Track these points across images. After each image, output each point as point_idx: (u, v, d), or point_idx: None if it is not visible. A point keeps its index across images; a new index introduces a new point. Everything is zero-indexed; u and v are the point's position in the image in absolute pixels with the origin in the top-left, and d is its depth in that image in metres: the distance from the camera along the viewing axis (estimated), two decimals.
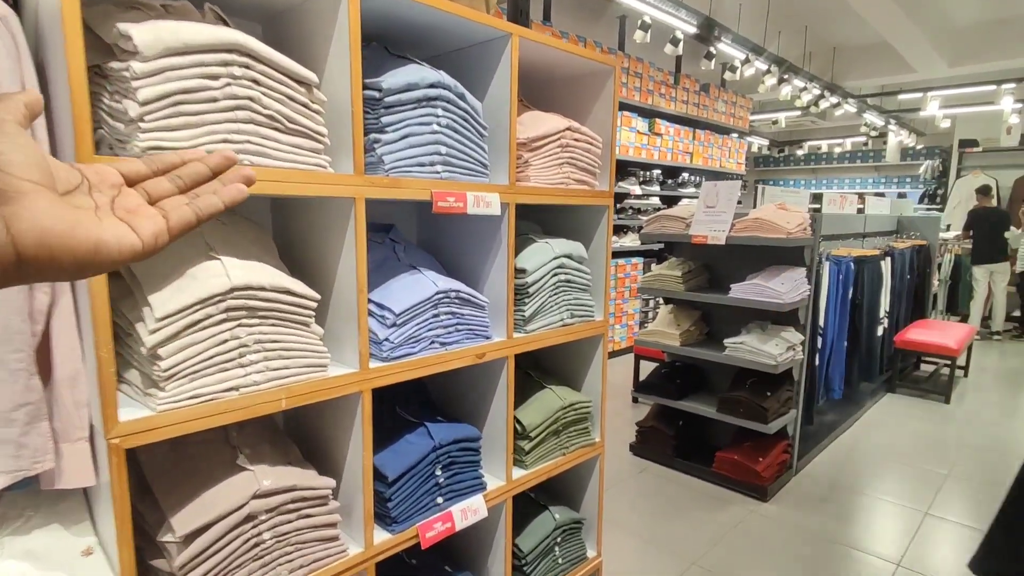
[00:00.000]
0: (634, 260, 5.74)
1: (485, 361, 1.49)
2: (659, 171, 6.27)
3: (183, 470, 1.13)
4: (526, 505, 1.87)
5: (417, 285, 1.36)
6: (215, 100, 0.97)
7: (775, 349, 2.86)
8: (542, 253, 1.66)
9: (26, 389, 0.91)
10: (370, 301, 1.33)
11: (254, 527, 1.08)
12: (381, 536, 1.33)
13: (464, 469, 1.49)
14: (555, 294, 1.69)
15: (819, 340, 3.22)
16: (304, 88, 1.08)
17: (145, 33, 0.89)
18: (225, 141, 0.99)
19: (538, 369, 1.93)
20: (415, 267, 1.43)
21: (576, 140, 1.68)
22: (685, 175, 6.73)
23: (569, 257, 1.73)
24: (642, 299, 5.87)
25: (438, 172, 1.34)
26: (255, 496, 1.08)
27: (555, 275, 1.67)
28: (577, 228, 1.90)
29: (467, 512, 1.48)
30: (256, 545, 1.08)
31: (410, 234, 1.79)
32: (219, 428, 1.18)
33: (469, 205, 1.38)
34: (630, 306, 5.77)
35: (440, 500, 1.43)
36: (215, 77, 0.96)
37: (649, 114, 5.85)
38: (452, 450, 1.45)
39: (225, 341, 1.03)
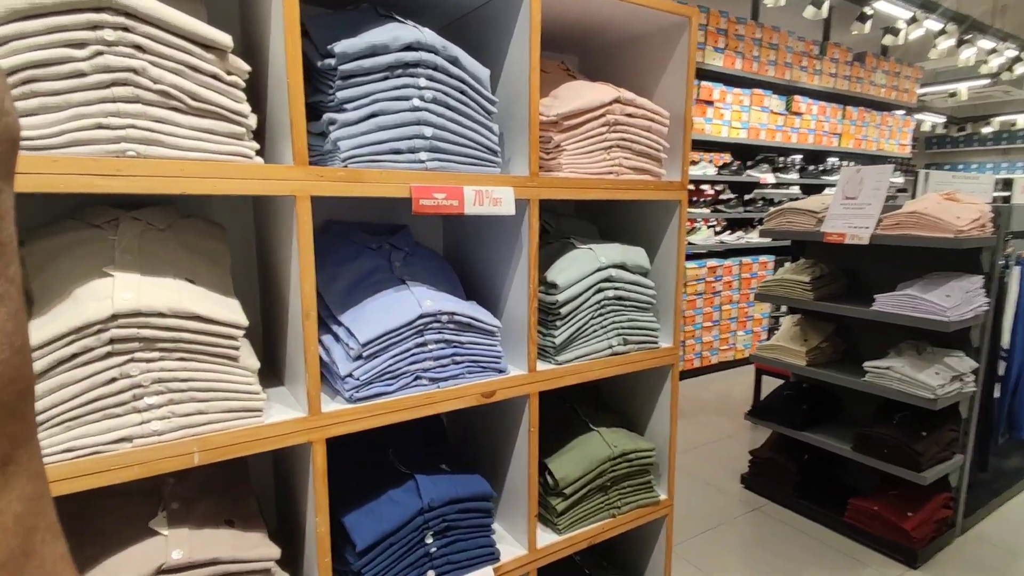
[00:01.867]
0: (762, 258, 4.99)
1: (495, 401, 1.16)
2: (799, 156, 5.40)
3: (97, 527, 0.95)
4: (568, 571, 1.51)
5: (397, 305, 1.07)
6: (82, 74, 0.75)
7: (934, 379, 2.18)
8: (582, 263, 1.29)
9: None
10: (340, 325, 1.07)
11: None
12: None
13: (467, 535, 1.18)
14: (600, 315, 1.31)
15: (1001, 366, 2.43)
16: (214, 55, 0.83)
17: None
18: (99, 127, 0.77)
19: (588, 403, 1.55)
20: (404, 282, 1.14)
21: (630, 116, 1.27)
22: (833, 160, 5.75)
23: (622, 267, 1.33)
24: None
25: (421, 161, 1.03)
26: (160, 571, 0.87)
27: (600, 290, 1.29)
28: (640, 229, 1.49)
29: None
30: None
31: (433, 239, 1.51)
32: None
33: (467, 203, 1.06)
34: (756, 310, 5.03)
35: (431, 575, 1.14)
36: (81, 45, 0.74)
37: (786, 91, 5.03)
38: (448, 512, 1.14)
39: (112, 380, 0.82)
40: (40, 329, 0.79)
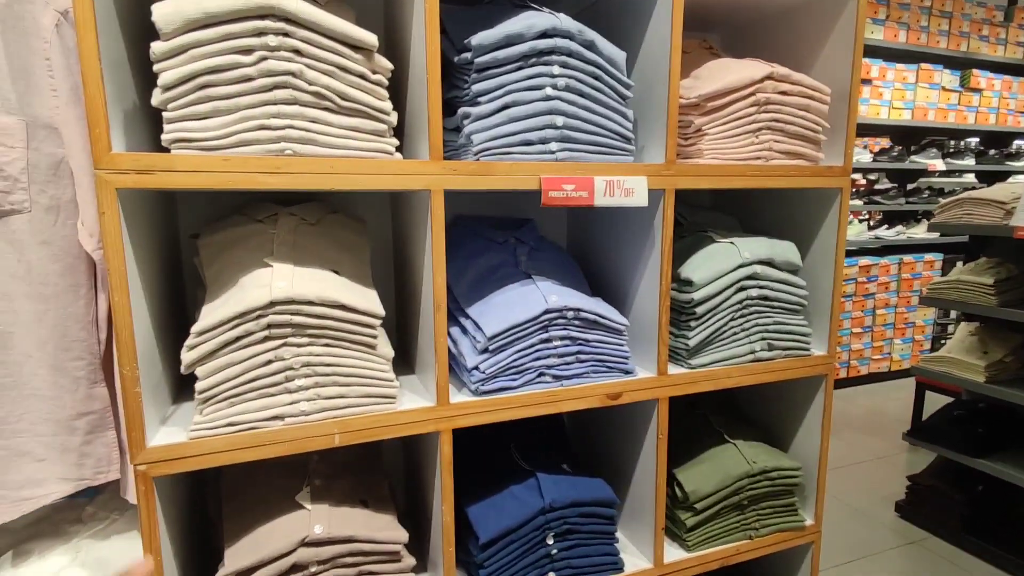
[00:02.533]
0: (928, 256, 4.36)
1: (621, 403, 1.11)
2: (975, 139, 4.64)
3: (253, 494, 1.04)
4: None
5: (524, 300, 1.05)
6: (249, 79, 0.81)
7: None
8: (722, 258, 1.18)
9: (88, 397, 0.90)
10: (468, 318, 1.07)
11: None
12: None
13: (589, 541, 1.14)
14: (742, 316, 1.19)
15: None
16: (362, 55, 0.86)
17: (165, 7, 0.77)
18: (262, 128, 0.83)
19: (723, 412, 1.44)
20: (529, 276, 1.12)
21: (783, 95, 1.14)
22: (1019, 143, 4.87)
23: (768, 264, 1.21)
24: (939, 309, 4.44)
25: (552, 152, 1.00)
26: (304, 543, 0.93)
27: (742, 289, 1.18)
28: (790, 221, 1.34)
29: None
30: None
31: (558, 232, 1.48)
32: None
33: (597, 194, 1.01)
34: (918, 315, 4.41)
35: None
36: (248, 51, 0.80)
37: (962, 64, 4.34)
38: (569, 515, 1.11)
39: (269, 362, 0.88)
40: (212, 313, 0.88)
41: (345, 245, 1.07)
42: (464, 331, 1.07)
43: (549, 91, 0.98)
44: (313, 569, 0.94)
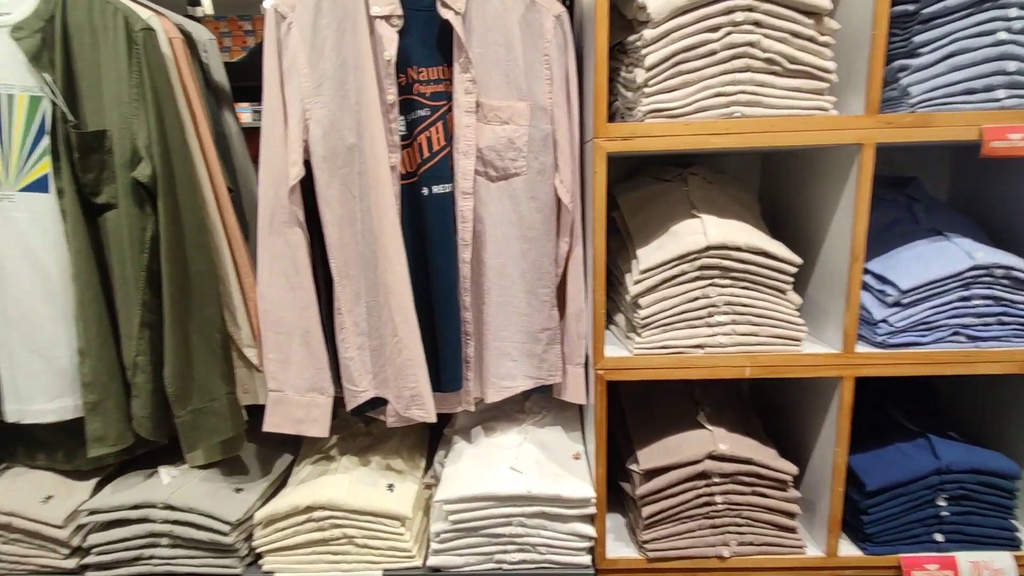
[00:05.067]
0: None
1: None
2: None
3: (651, 411, 1.23)
4: None
5: (940, 256, 1.03)
6: (713, 53, 0.94)
7: None
8: None
9: (548, 317, 1.16)
10: (866, 272, 1.09)
11: (707, 486, 1.08)
12: (848, 550, 1.13)
13: (982, 511, 1.09)
14: None
15: None
16: (812, 19, 0.93)
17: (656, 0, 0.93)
18: (718, 95, 0.96)
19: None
20: (940, 232, 1.09)
21: None
22: None
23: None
24: None
25: (997, 99, 0.95)
26: (710, 456, 1.08)
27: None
28: None
29: (982, 568, 1.09)
30: (707, 504, 1.09)
31: (936, 190, 1.38)
32: (685, 381, 1.22)
33: None
34: None
35: (939, 538, 1.10)
36: (716, 29, 0.93)
37: None
38: (967, 481, 1.08)
39: (696, 299, 1.04)
40: (651, 255, 1.06)
41: (741, 200, 1.17)
42: (864, 286, 1.09)
43: (1002, 35, 0.93)
44: (715, 479, 1.09)
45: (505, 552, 1.10)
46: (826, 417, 1.11)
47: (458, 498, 1.07)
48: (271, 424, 1.12)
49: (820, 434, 1.13)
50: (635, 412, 1.25)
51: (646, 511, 1.10)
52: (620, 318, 1.18)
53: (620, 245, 1.20)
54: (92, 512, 1.10)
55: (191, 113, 1.08)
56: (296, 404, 1.12)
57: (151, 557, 1.10)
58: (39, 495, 1.12)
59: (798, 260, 1.02)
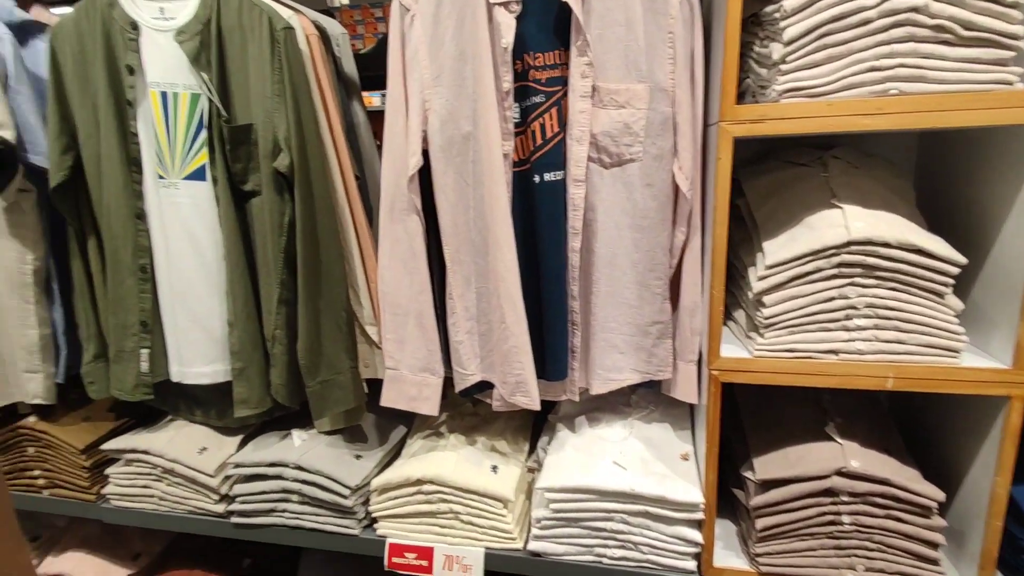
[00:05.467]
0: None
1: None
2: None
3: (772, 415, 1.14)
4: None
5: None
6: (867, 22, 0.83)
7: None
8: None
9: (660, 310, 1.11)
10: None
11: (833, 504, 0.99)
12: None
13: None
14: None
15: None
16: None
17: None
18: (871, 70, 0.84)
19: None
20: None
21: None
22: None
23: None
24: None
25: None
26: (839, 473, 0.98)
27: None
28: None
29: None
30: (832, 523, 0.99)
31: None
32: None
33: None
34: None
35: None
36: None
37: None
38: None
39: (832, 299, 0.94)
40: (780, 249, 0.97)
41: (893, 188, 1.03)
42: None
43: None
44: (844, 498, 0.99)
45: (606, 547, 1.09)
46: (985, 440, 0.96)
47: (560, 488, 1.07)
48: (387, 399, 1.19)
49: (976, 459, 0.99)
50: (752, 413, 1.17)
51: (760, 523, 1.03)
52: (739, 315, 1.10)
53: (744, 236, 1.11)
54: (237, 465, 1.24)
55: (324, 105, 1.15)
56: (410, 382, 1.18)
57: (283, 511, 1.22)
58: (196, 446, 1.29)
59: (962, 260, 0.89)
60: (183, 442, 1.30)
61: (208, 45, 1.11)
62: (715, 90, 0.96)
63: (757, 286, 0.97)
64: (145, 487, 1.31)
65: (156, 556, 1.54)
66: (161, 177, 1.18)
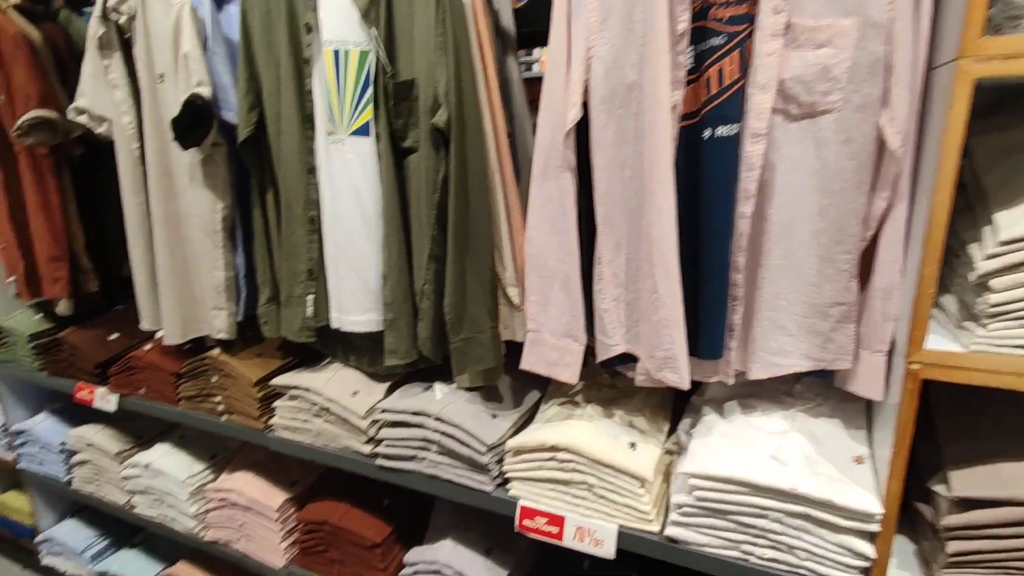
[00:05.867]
0: None
1: None
2: None
3: (977, 424, 0.95)
4: None
5: None
6: None
7: None
8: None
9: (845, 289, 0.96)
10: None
11: None
12: None
13: None
14: None
15: None
16: None
17: None
18: None
19: None
20: None
21: None
22: None
23: None
24: None
25: None
26: None
27: None
28: None
29: None
30: None
31: None
32: None
33: None
34: None
35: None
36: None
37: None
38: None
39: None
40: (1018, 223, 0.78)
41: None
42: None
43: None
44: None
45: (755, 545, 0.99)
46: None
47: (707, 475, 0.99)
48: (527, 363, 1.18)
49: None
50: (949, 416, 0.99)
51: (953, 547, 0.87)
52: (948, 300, 0.92)
53: (962, 205, 0.92)
54: (384, 411, 1.31)
55: (483, 60, 1.13)
56: (551, 347, 1.15)
57: (423, 459, 1.27)
58: (350, 389, 1.38)
59: None
60: (339, 384, 1.39)
61: (378, 0, 1.13)
62: (950, 22, 0.78)
63: (983, 266, 0.80)
64: (305, 421, 1.43)
65: (309, 485, 1.70)
66: (330, 133, 1.25)
